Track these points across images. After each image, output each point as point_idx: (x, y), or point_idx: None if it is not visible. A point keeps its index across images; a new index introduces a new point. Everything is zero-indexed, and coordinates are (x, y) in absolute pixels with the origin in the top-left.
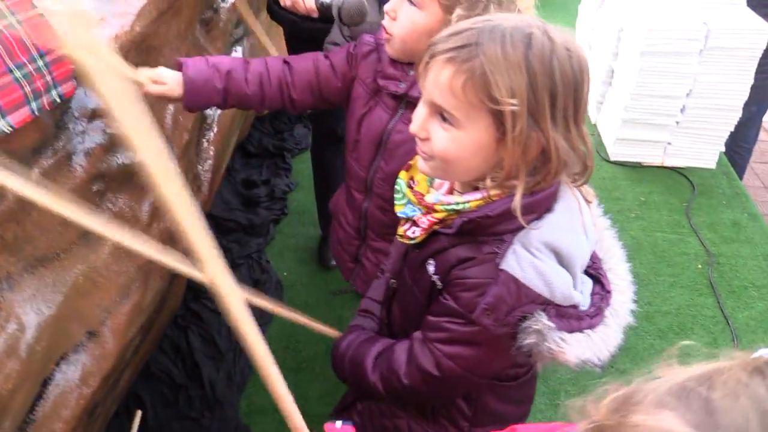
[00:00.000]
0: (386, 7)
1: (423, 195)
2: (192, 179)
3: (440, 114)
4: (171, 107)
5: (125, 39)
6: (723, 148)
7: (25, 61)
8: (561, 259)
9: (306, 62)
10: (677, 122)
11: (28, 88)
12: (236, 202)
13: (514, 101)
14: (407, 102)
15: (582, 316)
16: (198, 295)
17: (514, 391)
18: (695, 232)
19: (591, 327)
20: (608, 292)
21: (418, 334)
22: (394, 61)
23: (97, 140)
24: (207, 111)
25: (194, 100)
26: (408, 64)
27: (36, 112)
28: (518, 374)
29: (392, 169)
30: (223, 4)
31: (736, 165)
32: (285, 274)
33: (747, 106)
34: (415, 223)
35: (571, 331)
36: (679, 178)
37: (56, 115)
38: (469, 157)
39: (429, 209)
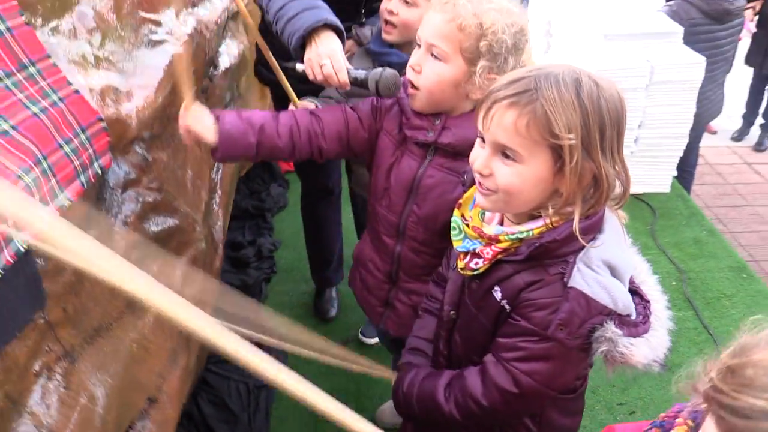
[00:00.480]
0: (411, 62)
1: (481, 229)
2: (210, 242)
3: (502, 152)
4: (190, 172)
5: (150, 109)
6: (675, 173)
7: (71, 136)
8: (615, 273)
9: (335, 114)
10: (632, 152)
11: (77, 162)
12: (226, 264)
13: (571, 136)
14: (435, 149)
15: (637, 324)
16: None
17: (573, 403)
18: (664, 252)
19: (645, 332)
20: (647, 301)
21: (490, 358)
22: (418, 112)
23: (131, 209)
24: (213, 174)
25: (228, 152)
26: (432, 114)
27: (85, 185)
28: (576, 386)
29: (425, 212)
30: (215, 73)
31: (683, 188)
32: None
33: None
34: (475, 255)
35: (633, 337)
36: (640, 204)
37: (96, 188)
38: (530, 189)
39: (491, 241)
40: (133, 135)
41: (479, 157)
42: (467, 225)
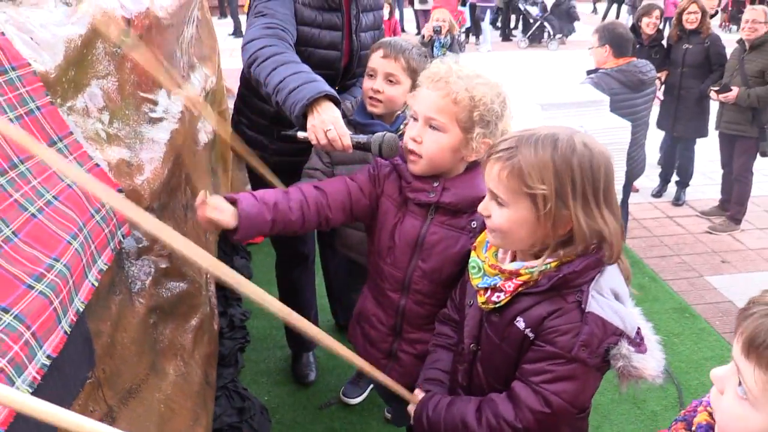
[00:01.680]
0: (411, 135)
1: (500, 266)
2: (210, 307)
3: (496, 198)
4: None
5: (159, 180)
6: None
7: (98, 206)
8: (619, 299)
9: (338, 185)
10: None
11: (106, 230)
12: None
13: (543, 187)
14: (436, 208)
15: (640, 342)
16: None
17: (582, 422)
18: None
19: (646, 350)
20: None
21: (518, 384)
22: (417, 175)
23: (147, 275)
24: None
25: (247, 231)
26: (430, 177)
27: (113, 251)
28: (587, 406)
29: (430, 266)
30: (197, 148)
31: None
32: (265, 398)
33: None
34: (496, 290)
35: (640, 353)
36: None
37: (116, 257)
38: (517, 229)
39: (511, 275)
40: (145, 205)
41: (484, 201)
42: (486, 264)
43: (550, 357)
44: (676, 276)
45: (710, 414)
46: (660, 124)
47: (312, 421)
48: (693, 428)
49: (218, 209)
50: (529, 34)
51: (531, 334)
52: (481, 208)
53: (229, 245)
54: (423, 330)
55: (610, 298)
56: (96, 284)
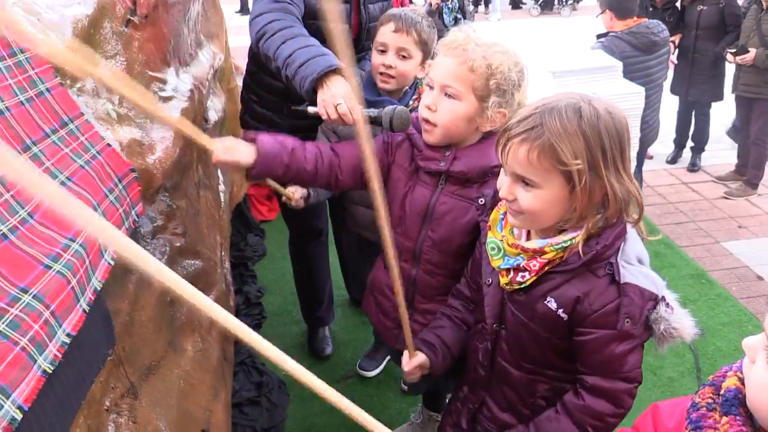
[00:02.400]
0: (425, 102)
1: (522, 244)
2: (225, 283)
3: (522, 180)
4: (204, 218)
5: (171, 160)
6: None
7: (112, 186)
8: (642, 263)
9: (352, 149)
10: None
11: (120, 210)
12: None
13: (578, 161)
14: (446, 177)
15: (668, 303)
16: None
17: None
18: None
19: (673, 310)
20: None
21: (594, 380)
22: (429, 145)
23: (162, 254)
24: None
25: (264, 169)
26: (442, 146)
27: (128, 231)
28: None
29: (440, 236)
30: (207, 126)
31: None
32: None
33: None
34: (518, 270)
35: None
36: None
37: (131, 236)
38: (550, 209)
39: (535, 254)
40: (158, 184)
41: (503, 185)
42: (505, 243)
43: (609, 341)
44: (691, 242)
45: (740, 379)
46: (674, 89)
47: None
48: (721, 392)
49: (231, 150)
50: (540, 1)
51: (564, 315)
52: (503, 192)
53: (243, 223)
54: (435, 301)
55: (637, 264)
56: (112, 263)
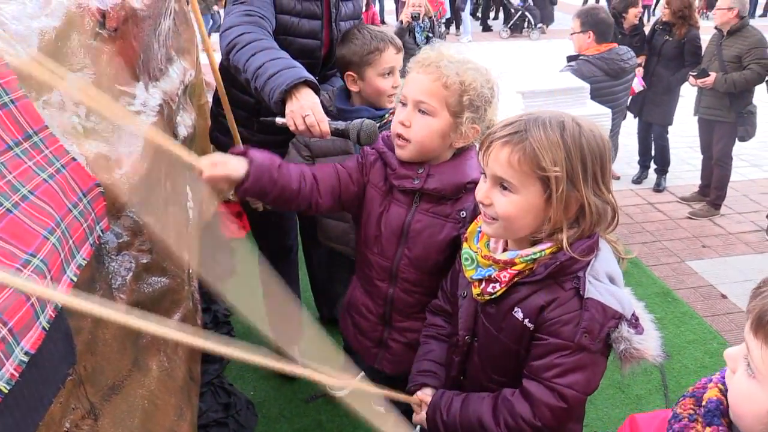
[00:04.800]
0: (399, 118)
1: (494, 256)
2: (193, 301)
3: (500, 184)
4: (173, 235)
5: (138, 175)
6: None
7: (76, 200)
8: (614, 282)
9: (328, 171)
10: None
11: (84, 225)
12: None
13: (556, 169)
14: (420, 195)
15: (636, 324)
16: None
17: (581, 409)
18: None
19: (643, 331)
20: None
21: (529, 382)
22: (403, 162)
23: (126, 271)
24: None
25: (255, 183)
26: (416, 163)
27: (92, 246)
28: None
29: (416, 254)
30: (176, 142)
31: None
32: (251, 393)
33: None
34: (491, 281)
35: (639, 335)
36: None
37: (95, 252)
38: (524, 216)
39: (506, 265)
40: (125, 199)
41: (481, 189)
42: (479, 255)
43: (556, 349)
44: (658, 261)
45: (721, 390)
46: (630, 107)
47: (298, 414)
48: (703, 403)
49: (220, 164)
50: (510, 24)
51: (530, 325)
52: (480, 196)
53: (211, 240)
54: (412, 318)
55: (606, 282)
56: (75, 280)
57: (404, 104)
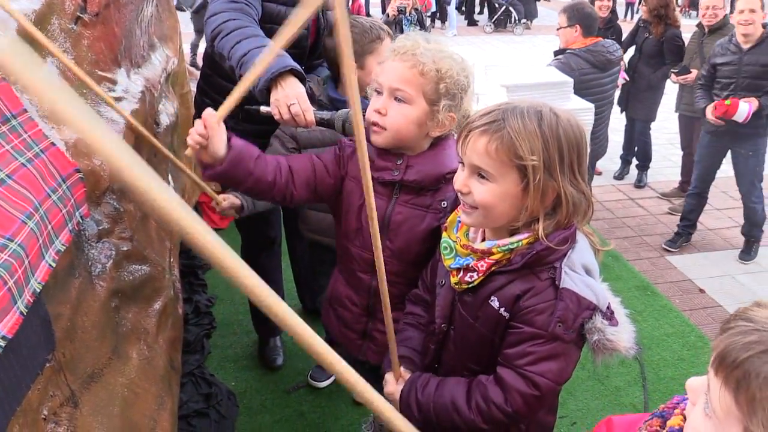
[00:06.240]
0: (375, 106)
1: (472, 245)
2: (174, 289)
3: (478, 173)
4: (154, 223)
5: None
6: None
7: (55, 186)
8: (590, 274)
9: (304, 162)
10: None
11: (63, 210)
12: None
13: (533, 158)
14: (400, 187)
15: (611, 316)
16: None
17: (553, 399)
18: None
19: (617, 323)
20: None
21: (503, 369)
22: (381, 154)
23: (107, 259)
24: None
25: (231, 168)
26: (394, 154)
27: (71, 232)
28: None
29: (398, 246)
30: (158, 130)
31: None
32: (232, 383)
33: None
34: (469, 270)
35: (613, 326)
36: None
37: (75, 238)
38: (502, 204)
39: (483, 254)
40: (105, 186)
41: (459, 178)
42: (458, 244)
43: (530, 338)
44: (638, 256)
45: (685, 419)
46: (618, 101)
47: (280, 405)
48: (665, 429)
49: (218, 137)
50: (494, 19)
51: (506, 314)
52: (458, 185)
53: None
54: (396, 309)
55: (581, 273)
56: (53, 265)
57: (379, 92)
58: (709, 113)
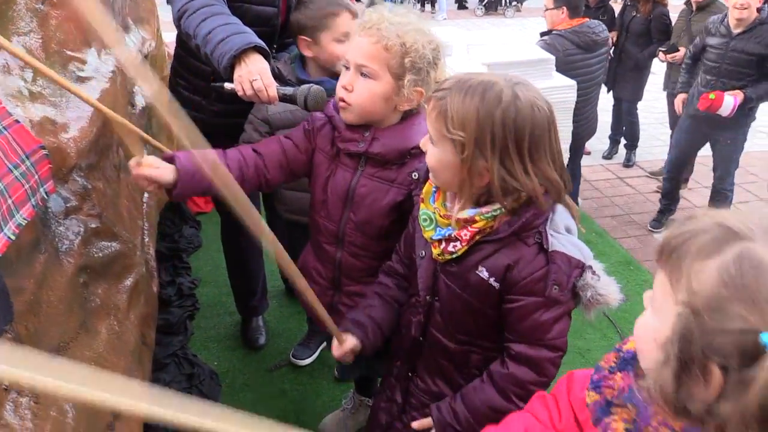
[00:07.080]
0: (342, 83)
1: (453, 215)
2: (147, 267)
3: (430, 136)
4: (126, 201)
5: (86, 140)
6: None
7: (18, 162)
8: (571, 233)
9: (273, 146)
10: None
11: (26, 186)
12: None
13: (461, 133)
14: (366, 159)
15: (595, 271)
16: None
17: None
18: None
19: (600, 278)
20: None
21: (518, 345)
22: (349, 126)
23: (76, 234)
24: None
25: (185, 187)
26: (363, 126)
27: (35, 208)
28: None
29: (361, 218)
30: (134, 111)
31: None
32: (215, 363)
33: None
34: (450, 241)
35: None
36: None
37: (41, 215)
38: (443, 170)
39: (466, 223)
40: (72, 163)
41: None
42: (437, 214)
43: (535, 309)
44: (625, 234)
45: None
46: (606, 82)
47: (262, 384)
48: (622, 354)
49: (154, 166)
50: (485, 1)
51: (496, 284)
52: (421, 143)
53: (178, 215)
54: (361, 283)
55: (564, 233)
56: (13, 238)
57: (347, 68)
58: (678, 104)
